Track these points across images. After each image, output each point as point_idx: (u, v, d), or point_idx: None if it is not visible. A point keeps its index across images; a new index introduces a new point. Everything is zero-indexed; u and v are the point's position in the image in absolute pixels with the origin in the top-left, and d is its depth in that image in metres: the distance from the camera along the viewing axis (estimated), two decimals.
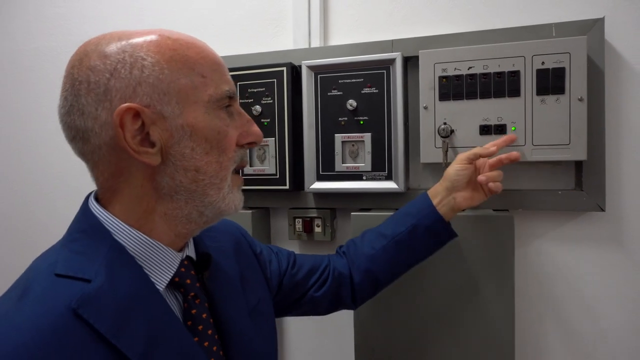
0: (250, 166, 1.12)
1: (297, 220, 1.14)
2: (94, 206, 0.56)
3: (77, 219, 0.57)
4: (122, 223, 0.54)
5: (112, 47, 0.52)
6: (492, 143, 0.88)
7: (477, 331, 0.97)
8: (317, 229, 1.13)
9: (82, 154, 0.55)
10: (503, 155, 0.85)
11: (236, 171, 0.61)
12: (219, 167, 0.56)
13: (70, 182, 1.41)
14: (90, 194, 0.59)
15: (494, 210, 1.00)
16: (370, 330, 1.04)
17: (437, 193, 0.86)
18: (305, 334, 1.22)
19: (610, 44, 0.95)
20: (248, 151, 0.64)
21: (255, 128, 0.61)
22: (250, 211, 1.13)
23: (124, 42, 0.52)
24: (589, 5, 0.97)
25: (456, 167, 0.86)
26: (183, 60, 0.53)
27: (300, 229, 1.14)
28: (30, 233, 1.49)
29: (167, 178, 0.54)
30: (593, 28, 0.92)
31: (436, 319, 0.99)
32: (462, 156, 0.86)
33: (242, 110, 0.61)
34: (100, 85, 0.51)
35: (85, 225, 0.55)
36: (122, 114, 0.50)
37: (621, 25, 0.95)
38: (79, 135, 0.54)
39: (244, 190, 1.11)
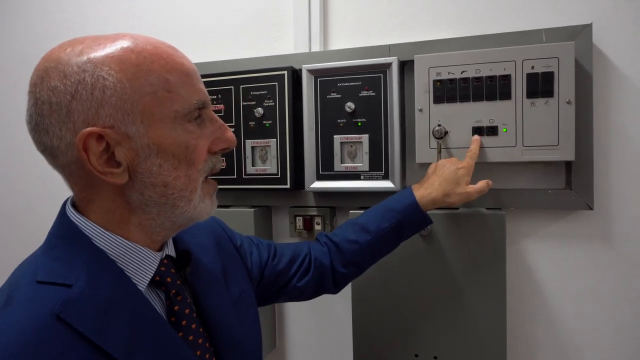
0: (253, 166, 1.17)
1: (297, 218, 1.18)
2: (71, 213, 0.56)
3: (56, 225, 0.57)
4: (99, 228, 0.55)
5: (72, 66, 0.51)
6: (473, 151, 0.96)
7: (469, 327, 1.01)
8: (317, 227, 1.17)
9: (54, 166, 0.56)
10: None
11: (209, 176, 0.61)
12: (188, 181, 0.56)
13: None
14: (66, 200, 0.59)
15: (486, 208, 1.04)
16: (367, 325, 1.08)
17: (427, 194, 0.89)
18: (304, 328, 1.26)
19: (599, 49, 0.99)
20: (221, 155, 0.63)
21: (229, 134, 0.61)
22: (252, 209, 1.17)
23: (84, 59, 0.51)
24: (579, 12, 1.00)
25: (461, 172, 0.91)
26: (147, 76, 0.52)
27: (301, 227, 1.18)
28: (35, 233, 1.51)
29: (137, 194, 0.55)
30: (582, 33, 0.96)
31: (429, 315, 1.03)
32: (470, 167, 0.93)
33: (215, 116, 0.60)
34: (62, 107, 0.51)
35: (63, 232, 0.56)
36: (85, 138, 0.50)
37: (609, 31, 0.99)
38: (47, 151, 0.54)
39: (247, 190, 1.18)
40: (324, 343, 1.25)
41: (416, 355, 1.05)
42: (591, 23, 0.96)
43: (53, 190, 1.49)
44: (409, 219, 0.88)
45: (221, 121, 0.61)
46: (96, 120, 0.51)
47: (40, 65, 0.53)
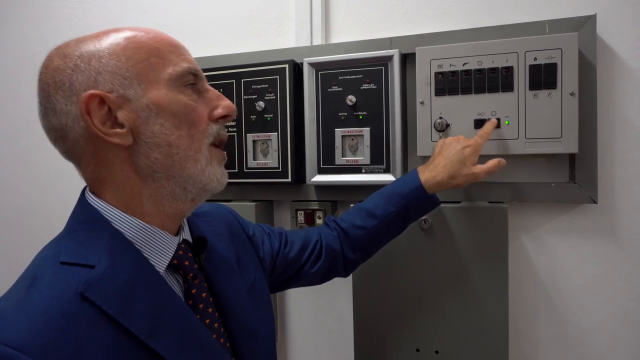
0: (254, 160, 1.17)
1: (299, 212, 1.18)
2: (91, 198, 0.58)
3: (76, 211, 0.59)
4: (118, 211, 0.57)
5: (71, 48, 0.56)
6: (485, 130, 0.93)
7: (471, 321, 1.00)
8: (319, 221, 1.17)
9: (66, 153, 0.58)
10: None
11: (215, 146, 0.62)
12: (191, 140, 0.58)
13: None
14: (85, 188, 0.62)
15: (488, 202, 1.03)
16: (368, 319, 1.07)
17: (432, 176, 0.88)
18: (305, 322, 1.26)
19: (603, 40, 0.98)
20: (225, 127, 0.65)
21: (226, 101, 0.63)
22: (253, 203, 1.17)
23: (81, 42, 0.57)
24: (582, 3, 0.99)
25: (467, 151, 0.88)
26: (138, 47, 0.56)
27: (302, 221, 1.18)
28: (43, 230, 1.54)
29: (143, 158, 0.56)
30: (585, 25, 0.95)
31: (431, 309, 1.03)
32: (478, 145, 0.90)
33: (210, 87, 0.63)
34: (65, 82, 0.55)
35: (84, 217, 0.57)
36: (87, 101, 0.53)
37: (613, 22, 0.97)
38: (58, 135, 0.57)
39: (249, 184, 1.18)
40: (325, 337, 1.24)
41: (417, 350, 1.04)
42: (595, 14, 0.95)
43: (58, 188, 1.50)
44: (415, 203, 0.88)
45: (217, 91, 0.64)
46: (96, 87, 0.54)
47: (45, 58, 0.58)
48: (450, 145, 0.90)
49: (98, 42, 0.56)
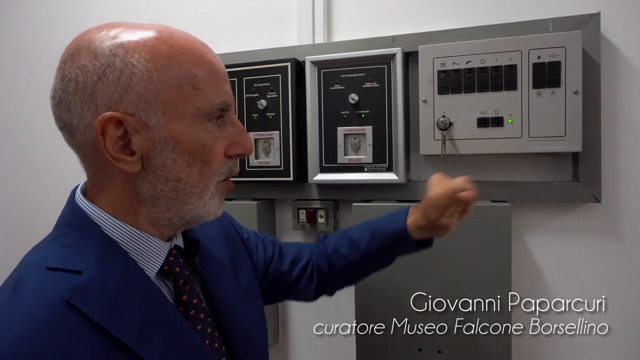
0: (256, 158, 1.16)
1: (301, 211, 1.18)
2: (81, 200, 0.56)
3: (65, 212, 0.57)
4: (108, 216, 0.55)
5: (104, 48, 0.51)
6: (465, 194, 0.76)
7: (473, 321, 0.99)
8: (321, 220, 1.16)
9: (70, 144, 0.56)
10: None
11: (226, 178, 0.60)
12: (201, 178, 0.56)
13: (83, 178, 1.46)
14: (75, 188, 0.59)
15: (492, 201, 1.02)
16: (370, 319, 1.06)
17: (414, 220, 0.80)
18: (307, 322, 1.25)
19: (607, 38, 0.97)
20: (238, 160, 0.62)
21: (247, 141, 0.60)
22: (255, 202, 1.17)
23: (117, 42, 0.51)
24: (586, 1, 0.99)
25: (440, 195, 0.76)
26: (175, 69, 0.52)
27: (304, 220, 1.17)
28: (44, 229, 1.53)
29: (148, 185, 0.54)
30: (589, 23, 0.95)
31: (433, 309, 1.02)
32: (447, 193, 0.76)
33: (237, 120, 0.60)
34: (87, 86, 0.50)
35: (73, 219, 0.55)
36: (104, 122, 0.50)
37: (617, 20, 0.97)
38: (65, 128, 0.54)
39: (250, 182, 1.18)
40: (327, 336, 1.24)
41: (420, 350, 1.04)
42: (599, 12, 0.94)
43: (57, 185, 1.50)
44: (399, 245, 0.82)
45: (242, 126, 0.60)
46: (119, 105, 0.50)
47: (73, 44, 0.53)
48: (435, 186, 0.78)
49: (134, 50, 0.51)
